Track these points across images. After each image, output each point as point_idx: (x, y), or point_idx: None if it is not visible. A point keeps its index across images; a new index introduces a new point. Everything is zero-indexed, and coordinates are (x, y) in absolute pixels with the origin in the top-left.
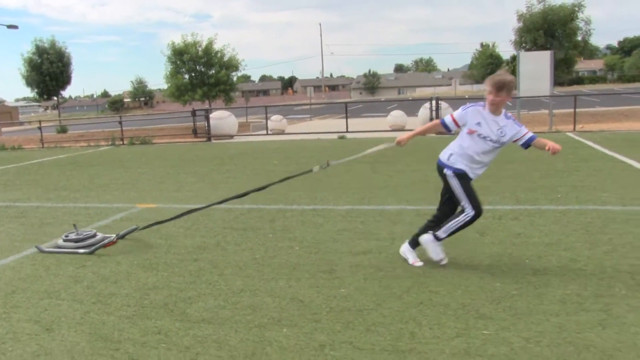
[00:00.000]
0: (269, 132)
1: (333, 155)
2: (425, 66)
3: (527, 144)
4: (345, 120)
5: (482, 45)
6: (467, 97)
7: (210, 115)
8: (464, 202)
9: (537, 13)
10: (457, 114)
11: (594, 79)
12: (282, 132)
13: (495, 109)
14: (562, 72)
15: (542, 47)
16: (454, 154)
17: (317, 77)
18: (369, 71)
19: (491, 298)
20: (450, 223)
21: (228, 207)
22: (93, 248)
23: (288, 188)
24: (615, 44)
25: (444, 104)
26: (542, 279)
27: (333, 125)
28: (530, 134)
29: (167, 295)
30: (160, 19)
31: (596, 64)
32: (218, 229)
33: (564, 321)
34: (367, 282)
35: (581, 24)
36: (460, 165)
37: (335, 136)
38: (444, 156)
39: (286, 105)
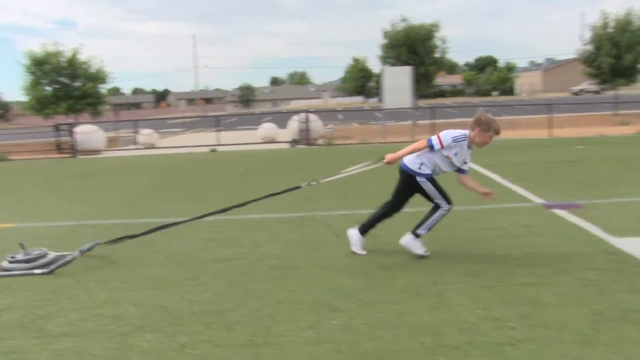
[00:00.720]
0: (139, 147)
1: (193, 169)
2: (300, 79)
3: (461, 172)
4: (218, 133)
5: (354, 59)
6: (339, 109)
7: (76, 130)
8: (439, 200)
9: (400, 31)
10: (446, 141)
11: (454, 92)
12: (152, 147)
13: (480, 147)
14: (424, 86)
15: (406, 63)
16: (424, 164)
17: (192, 90)
18: (245, 84)
19: (343, 293)
20: (429, 221)
21: (94, 223)
22: (53, 267)
23: (158, 201)
24: (472, 61)
25: (312, 117)
26: (389, 272)
27: (206, 138)
28: (467, 169)
29: (24, 314)
30: (15, 23)
31: (457, 79)
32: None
33: (403, 307)
34: (229, 286)
35: (439, 42)
36: (429, 171)
37: (207, 149)
38: (413, 166)
39: (159, 119)
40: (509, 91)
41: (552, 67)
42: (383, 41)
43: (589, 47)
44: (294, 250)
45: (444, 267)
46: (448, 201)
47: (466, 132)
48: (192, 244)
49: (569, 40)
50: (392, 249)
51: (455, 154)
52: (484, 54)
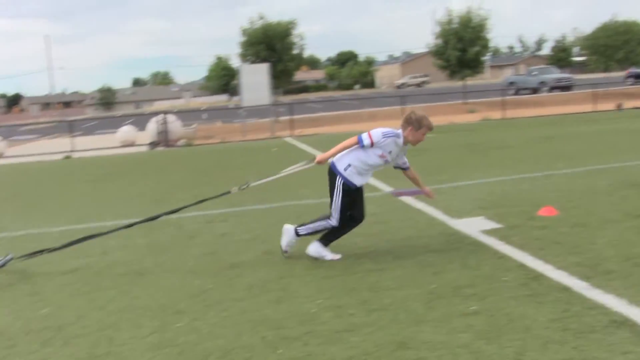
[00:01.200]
0: None
1: (44, 178)
2: (163, 79)
3: (402, 169)
4: (72, 139)
5: (217, 57)
6: (203, 108)
7: None
8: (335, 213)
9: (258, 29)
10: (377, 138)
11: (318, 87)
12: (0, 156)
13: (414, 145)
14: (283, 82)
15: (265, 60)
16: (352, 165)
17: (48, 94)
18: (105, 86)
19: (189, 294)
20: (315, 224)
21: None
22: None
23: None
24: (334, 56)
25: (171, 118)
26: (236, 270)
27: (61, 145)
28: (407, 163)
29: None
30: None
31: (319, 74)
32: None
33: (248, 304)
34: (71, 298)
35: (296, 39)
36: (355, 179)
37: (60, 157)
38: (340, 165)
39: (9, 126)
40: (370, 84)
41: (409, 60)
42: (242, 39)
43: (438, 41)
44: (143, 255)
45: (292, 261)
46: (340, 221)
47: (398, 130)
48: (37, 258)
49: (423, 34)
50: (242, 246)
51: (390, 152)
52: (345, 49)
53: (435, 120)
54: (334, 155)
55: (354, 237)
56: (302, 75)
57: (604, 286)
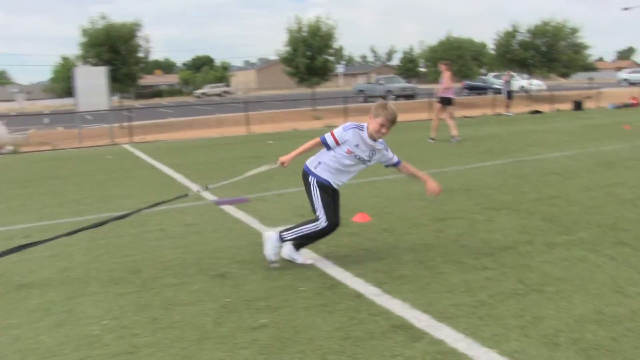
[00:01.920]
0: None
1: None
2: None
3: (393, 166)
4: None
5: (63, 58)
6: (46, 112)
7: None
8: (319, 212)
9: (100, 29)
10: (338, 134)
11: (172, 91)
12: None
13: (378, 137)
14: (128, 86)
15: (108, 62)
16: (322, 163)
17: None
18: None
19: None
20: (300, 227)
21: None
22: None
23: None
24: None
25: None
26: (23, 292)
27: None
28: (395, 159)
29: None
30: None
31: (175, 79)
32: None
33: (24, 331)
34: None
35: (142, 42)
36: (325, 175)
37: None
38: (311, 164)
39: None
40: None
41: (264, 66)
42: (82, 39)
43: (288, 49)
44: None
45: (88, 278)
46: (329, 219)
47: (364, 123)
48: None
49: (280, 41)
50: (38, 265)
51: (357, 146)
52: (201, 53)
53: (280, 126)
54: (296, 156)
55: (162, 249)
56: (156, 79)
57: (394, 291)
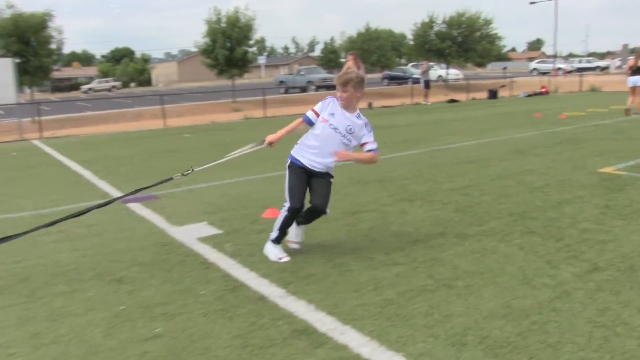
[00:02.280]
0: None
1: None
2: None
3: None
4: None
5: None
6: None
7: None
8: (286, 195)
9: (8, 19)
10: (317, 106)
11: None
12: None
13: (346, 105)
14: (41, 79)
15: (18, 54)
16: (300, 143)
17: None
18: None
19: None
20: (277, 221)
21: None
22: None
23: None
24: (108, 52)
25: None
26: None
27: None
28: (373, 147)
29: None
30: None
31: (93, 71)
32: None
33: None
34: None
35: (54, 33)
36: (300, 155)
37: None
38: (293, 150)
39: None
40: (147, 82)
41: (185, 58)
42: None
43: (207, 40)
44: None
45: None
46: (292, 202)
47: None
48: None
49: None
50: None
51: (332, 114)
52: (121, 45)
53: (199, 119)
54: (283, 136)
55: (58, 253)
56: (74, 72)
57: (299, 292)
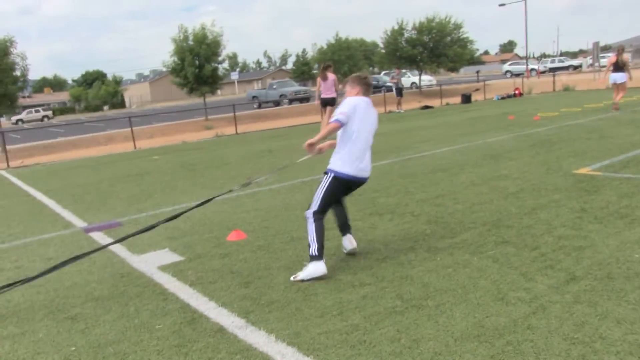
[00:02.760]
0: None
1: None
2: None
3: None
4: None
5: None
6: None
7: None
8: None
9: None
10: (344, 107)
11: (63, 110)
12: None
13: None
14: (7, 107)
15: None
16: (337, 153)
17: None
18: None
19: None
20: (308, 234)
21: None
22: None
23: None
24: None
25: None
26: None
27: None
28: (332, 119)
29: None
30: None
31: (65, 96)
32: None
33: None
34: None
35: (17, 60)
36: (345, 168)
37: None
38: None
39: None
40: (120, 104)
41: (157, 78)
42: None
43: (174, 59)
44: None
45: None
46: (318, 206)
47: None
48: None
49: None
50: None
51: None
52: (92, 68)
53: (170, 139)
54: (321, 139)
55: (10, 292)
56: (46, 97)
57: (260, 321)
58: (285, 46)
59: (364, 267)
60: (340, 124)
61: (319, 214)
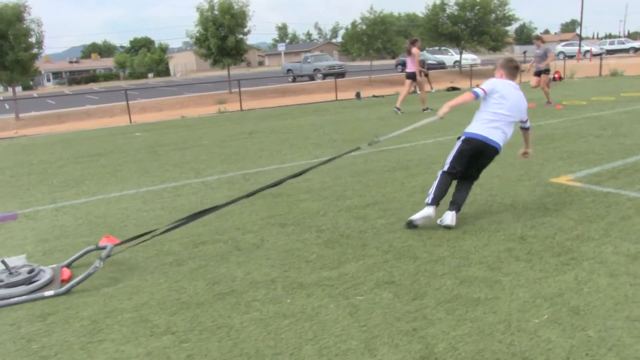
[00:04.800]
0: None
1: None
2: None
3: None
4: None
5: None
6: None
7: None
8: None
9: None
10: (485, 86)
11: (108, 76)
12: None
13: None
14: (20, 74)
15: None
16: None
17: None
18: None
19: None
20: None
21: None
22: (70, 285)
23: None
24: (128, 42)
25: None
26: None
27: None
28: (528, 125)
29: None
30: None
31: (111, 62)
32: None
33: None
34: None
35: (32, 25)
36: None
37: None
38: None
39: None
40: (165, 72)
41: None
42: None
43: (199, 29)
44: None
45: None
46: (448, 166)
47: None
48: None
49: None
50: None
51: (496, 89)
52: (141, 35)
53: (169, 114)
54: (455, 106)
55: None
56: (93, 63)
57: None
58: (338, 18)
59: (180, 318)
60: (475, 96)
61: (446, 173)
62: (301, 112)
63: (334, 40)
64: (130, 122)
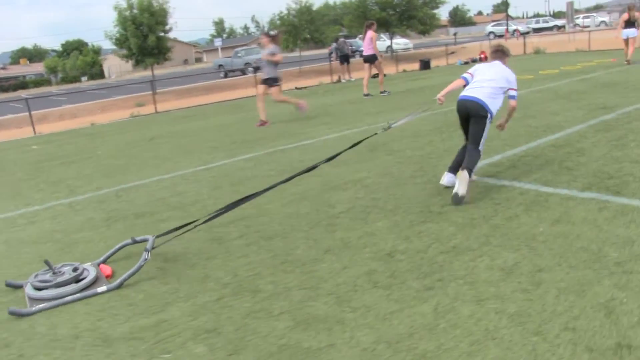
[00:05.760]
0: None
1: None
2: None
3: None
4: None
5: None
6: None
7: None
8: (482, 144)
9: None
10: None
11: (39, 82)
12: None
13: None
14: None
15: None
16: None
17: None
18: None
19: None
20: (472, 163)
21: None
22: (122, 279)
23: None
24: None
25: None
26: None
27: None
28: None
29: None
30: None
31: (41, 67)
32: None
33: None
34: None
35: None
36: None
37: None
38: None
39: None
40: (99, 75)
41: None
42: None
43: (119, 29)
44: None
45: None
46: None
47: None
48: None
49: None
50: None
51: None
52: (74, 37)
53: (81, 121)
54: (447, 92)
55: None
56: (22, 69)
57: None
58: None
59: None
60: (464, 81)
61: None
62: (216, 111)
63: (272, 32)
64: (35, 133)
